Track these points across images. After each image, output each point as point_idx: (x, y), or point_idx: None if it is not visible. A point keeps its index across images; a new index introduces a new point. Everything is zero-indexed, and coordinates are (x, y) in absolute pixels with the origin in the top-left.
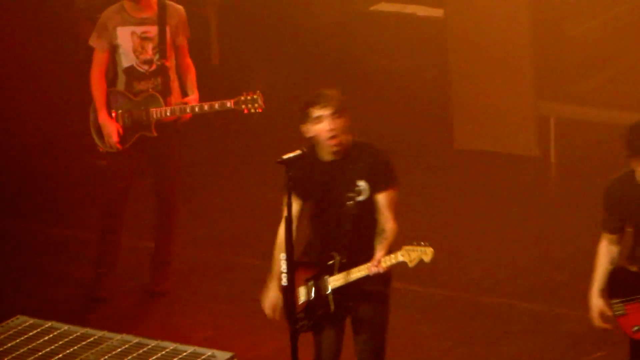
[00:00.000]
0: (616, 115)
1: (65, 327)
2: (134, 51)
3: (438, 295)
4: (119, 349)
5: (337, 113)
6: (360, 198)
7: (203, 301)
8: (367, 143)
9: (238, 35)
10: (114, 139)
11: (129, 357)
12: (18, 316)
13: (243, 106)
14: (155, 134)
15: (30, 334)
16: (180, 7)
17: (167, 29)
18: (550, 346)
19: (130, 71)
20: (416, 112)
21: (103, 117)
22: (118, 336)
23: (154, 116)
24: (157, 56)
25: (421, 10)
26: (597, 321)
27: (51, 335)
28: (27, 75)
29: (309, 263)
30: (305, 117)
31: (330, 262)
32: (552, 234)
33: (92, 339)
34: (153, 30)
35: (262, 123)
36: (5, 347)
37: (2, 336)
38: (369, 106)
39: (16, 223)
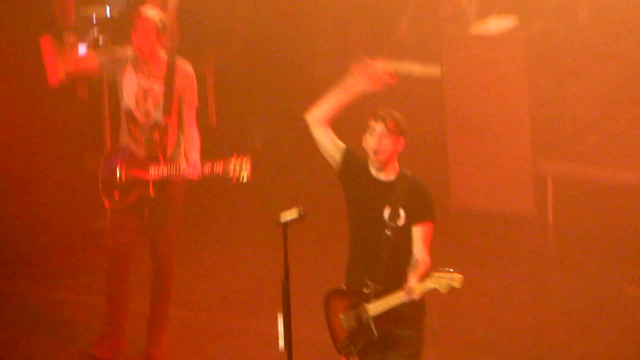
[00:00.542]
0: (613, 174)
1: None
2: (136, 98)
3: (435, 356)
4: None
5: (389, 132)
6: (399, 226)
7: None
8: (412, 175)
9: (235, 95)
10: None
11: None
12: None
13: (231, 173)
14: (152, 194)
15: None
16: (189, 69)
17: (173, 90)
18: None
19: (129, 115)
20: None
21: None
22: None
23: (152, 176)
24: (157, 112)
25: (418, 68)
26: None
27: None
28: (30, 151)
29: (346, 291)
30: (367, 126)
31: (367, 290)
32: (550, 294)
33: None
34: (158, 87)
35: (259, 182)
36: None
37: None
38: None
39: (15, 286)
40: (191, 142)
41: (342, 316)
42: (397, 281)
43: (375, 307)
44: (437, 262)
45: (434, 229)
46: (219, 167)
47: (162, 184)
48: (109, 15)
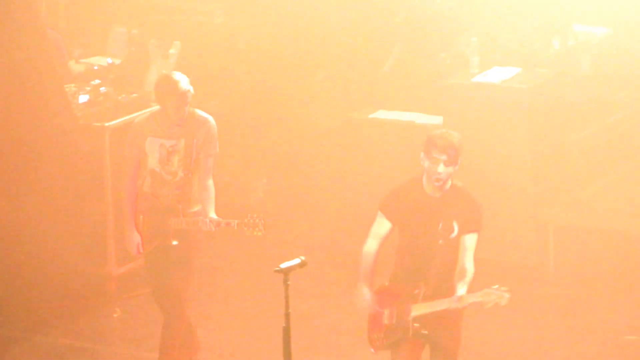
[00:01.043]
0: (614, 222)
1: None
2: (160, 162)
3: None
4: None
5: (450, 162)
6: (452, 236)
7: None
8: (463, 188)
9: (238, 143)
10: (133, 252)
11: None
12: None
13: (245, 229)
14: (172, 243)
15: None
16: (209, 120)
17: (194, 143)
18: None
19: (154, 174)
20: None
21: (129, 227)
22: None
23: (172, 226)
24: (180, 169)
25: (420, 118)
26: None
27: None
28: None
29: (396, 288)
30: (426, 148)
31: (417, 291)
32: (551, 341)
33: None
34: (180, 144)
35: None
36: None
37: None
38: (369, 214)
39: (14, 333)
40: (207, 193)
41: (386, 312)
42: (441, 286)
43: (419, 308)
44: None
45: None
46: (234, 223)
47: (182, 233)
48: (110, 61)
